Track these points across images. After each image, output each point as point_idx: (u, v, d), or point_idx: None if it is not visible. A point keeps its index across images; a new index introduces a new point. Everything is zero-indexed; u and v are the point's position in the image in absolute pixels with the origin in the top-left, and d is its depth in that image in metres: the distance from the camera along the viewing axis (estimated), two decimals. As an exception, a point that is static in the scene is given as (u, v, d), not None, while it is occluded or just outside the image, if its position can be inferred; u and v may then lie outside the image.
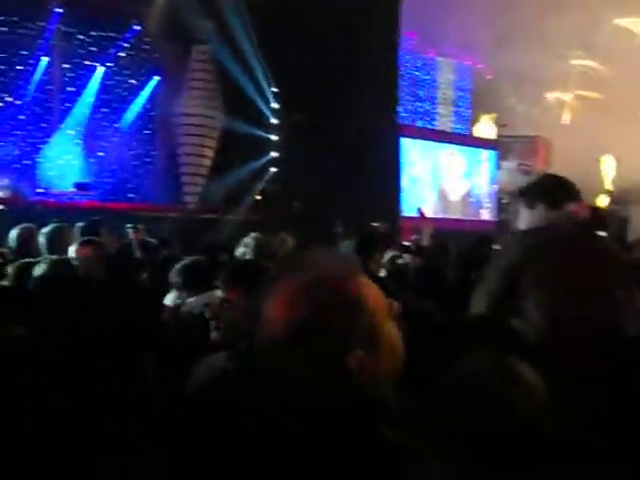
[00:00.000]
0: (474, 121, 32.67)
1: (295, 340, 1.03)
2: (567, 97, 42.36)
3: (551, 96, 42.99)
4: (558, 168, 27.26)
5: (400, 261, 4.06)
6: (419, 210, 12.31)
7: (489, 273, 2.23)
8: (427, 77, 33.08)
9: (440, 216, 21.58)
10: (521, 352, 1.89)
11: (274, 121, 14.80)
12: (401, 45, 24.30)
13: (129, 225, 6.77)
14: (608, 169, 33.52)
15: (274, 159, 14.88)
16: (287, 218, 11.64)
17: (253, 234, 4.03)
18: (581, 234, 2.22)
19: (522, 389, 1.27)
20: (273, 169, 14.86)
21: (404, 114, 30.56)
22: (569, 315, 2.03)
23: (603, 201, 21.12)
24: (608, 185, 31.90)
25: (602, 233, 5.29)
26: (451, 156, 23.04)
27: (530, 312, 2.06)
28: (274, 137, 14.92)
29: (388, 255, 4.06)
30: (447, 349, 1.79)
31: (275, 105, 14.60)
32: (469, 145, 24.44)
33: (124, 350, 2.00)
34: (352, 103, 13.00)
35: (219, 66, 14.77)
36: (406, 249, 5.41)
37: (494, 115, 32.60)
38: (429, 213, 21.83)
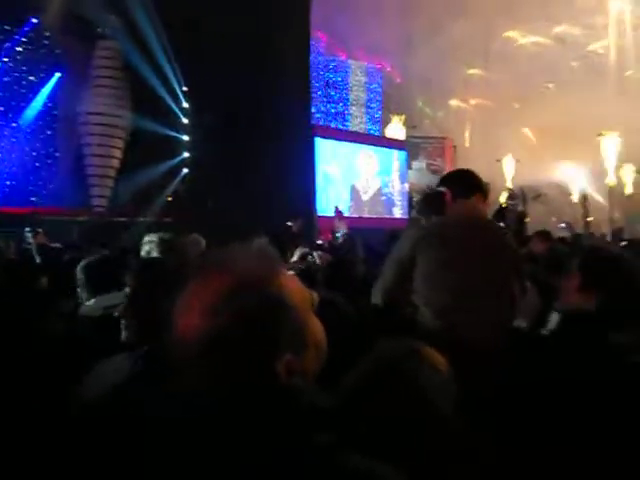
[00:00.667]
0: (385, 122, 33.65)
1: (212, 351, 0.91)
2: (470, 101, 44.62)
3: (455, 100, 45.13)
4: (463, 167, 28.60)
5: (310, 258, 4.08)
6: (336, 209, 12.48)
7: (389, 258, 2.32)
8: (339, 79, 33.67)
9: (354, 215, 22.07)
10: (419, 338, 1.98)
11: (185, 121, 14.49)
12: (313, 47, 24.58)
13: (28, 229, 6.41)
14: (508, 169, 35.71)
15: (186, 159, 14.57)
16: (200, 219, 11.43)
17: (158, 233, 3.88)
18: (477, 226, 2.28)
19: (436, 373, 1.28)
20: (185, 170, 14.54)
21: (318, 115, 30.95)
22: (459, 305, 2.10)
23: (503, 198, 22.41)
24: (508, 183, 33.93)
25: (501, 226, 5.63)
26: (364, 156, 23.57)
27: (424, 298, 2.14)
28: (185, 137, 14.60)
29: (298, 253, 4.08)
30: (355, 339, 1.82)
31: (186, 104, 14.30)
32: (381, 145, 25.10)
33: (18, 357, 1.90)
34: (265, 103, 13.00)
35: (126, 63, 14.27)
36: (319, 247, 5.49)
37: (404, 117, 33.79)
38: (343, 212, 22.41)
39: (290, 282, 1.01)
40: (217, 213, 11.80)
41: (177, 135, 14.47)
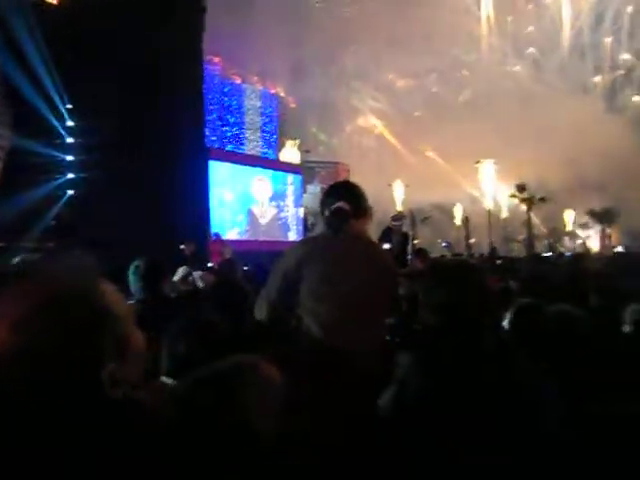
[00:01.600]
0: (280, 146, 34.14)
1: (24, 364, 0.89)
2: (363, 128, 46.47)
3: (349, 127, 46.83)
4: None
5: (190, 279, 4.06)
6: (216, 234, 12.53)
7: (272, 274, 2.35)
8: (234, 103, 33.76)
9: (250, 238, 22.01)
10: (293, 355, 2.03)
11: (70, 140, 13.81)
12: (208, 70, 24.50)
13: None
14: (398, 193, 37.47)
15: (70, 181, 13.86)
16: (86, 244, 10.88)
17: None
18: (362, 245, 2.34)
19: (257, 390, 1.29)
20: (70, 192, 13.81)
21: (213, 138, 30.73)
22: (342, 319, 2.13)
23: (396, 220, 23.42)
24: (398, 206, 35.52)
25: (387, 246, 5.90)
26: (259, 180, 23.67)
27: (309, 311, 2.17)
28: (70, 157, 13.91)
29: (179, 274, 4.03)
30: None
31: (71, 123, 13.65)
32: (276, 169, 25.36)
33: None
34: (156, 125, 12.73)
35: (4, 79, 13.41)
36: (209, 269, 5.47)
37: (298, 141, 34.47)
38: (235, 235, 22.30)
39: (110, 294, 1.00)
40: (104, 238, 11.30)
41: (60, 155, 13.74)
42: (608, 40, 41.14)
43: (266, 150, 32.43)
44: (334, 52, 39.75)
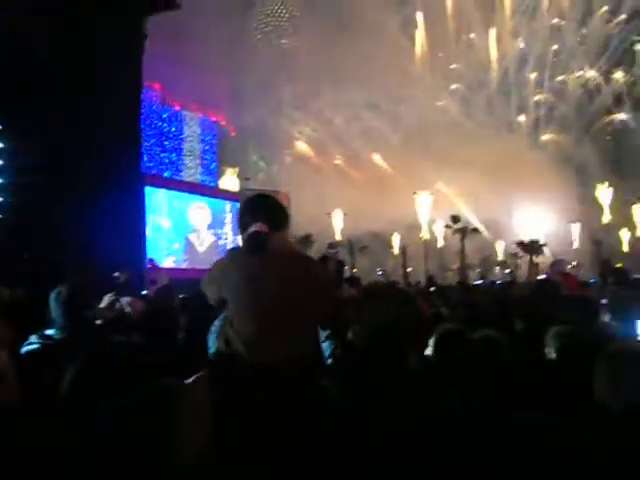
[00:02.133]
0: (220, 174, 33.99)
1: None
2: (302, 157, 47.00)
3: (288, 155, 47.27)
4: (296, 220, 29.90)
5: (118, 305, 3.95)
6: (150, 260, 12.26)
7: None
8: (173, 129, 33.44)
9: (187, 267, 21.64)
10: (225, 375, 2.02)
11: (-1, 163, 13.28)
12: (147, 96, 24.23)
13: None
14: (337, 221, 38.01)
15: (-2, 205, 13.28)
16: (15, 272, 10.38)
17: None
18: (284, 256, 2.25)
19: (186, 412, 1.29)
20: (-3, 216, 13.21)
21: (150, 164, 30.25)
22: (265, 335, 2.09)
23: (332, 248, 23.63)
24: (337, 235, 36.01)
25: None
26: (198, 208, 23.43)
27: (234, 328, 2.14)
28: (-1, 181, 13.36)
29: (105, 300, 3.91)
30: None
31: (0, 145, 13.15)
32: (215, 197, 25.19)
33: None
34: (90, 150, 12.46)
35: None
36: (143, 297, 5.34)
37: (237, 169, 34.46)
38: (171, 264, 21.88)
39: None
40: (34, 264, 10.84)
41: (-12, 178, 13.17)
42: (532, 79, 43.74)
43: (205, 177, 32.22)
44: (274, 82, 40.32)
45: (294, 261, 2.31)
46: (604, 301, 4.97)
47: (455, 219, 35.58)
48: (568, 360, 2.84)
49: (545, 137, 43.10)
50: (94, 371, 1.77)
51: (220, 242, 24.24)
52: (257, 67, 39.34)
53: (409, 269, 34.38)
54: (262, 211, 2.31)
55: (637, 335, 2.65)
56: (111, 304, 3.78)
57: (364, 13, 39.09)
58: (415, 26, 44.54)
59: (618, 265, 8.40)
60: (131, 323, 3.43)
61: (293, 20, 44.10)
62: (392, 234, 40.82)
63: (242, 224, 2.33)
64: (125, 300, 3.98)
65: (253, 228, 2.25)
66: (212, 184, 31.04)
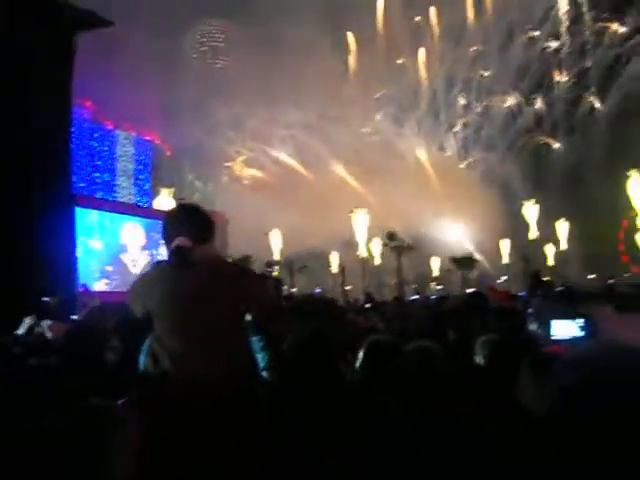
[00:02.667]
0: (155, 194, 33.32)
1: None
2: (239, 176, 46.85)
3: (225, 175, 46.97)
4: (234, 240, 29.66)
5: (38, 329, 3.78)
6: (83, 285, 11.97)
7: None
8: (105, 148, 32.59)
9: (120, 288, 20.99)
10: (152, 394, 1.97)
11: None
12: (77, 114, 23.53)
13: None
14: (275, 241, 37.97)
15: None
16: None
17: None
18: (209, 267, 2.18)
19: (115, 432, 1.25)
20: None
21: (82, 184, 29.28)
22: (190, 349, 2.04)
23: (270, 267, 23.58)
24: (275, 255, 35.94)
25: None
26: (131, 228, 22.84)
27: (160, 342, 2.10)
28: None
29: (25, 324, 3.73)
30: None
31: None
32: (149, 217, 24.64)
33: None
34: (19, 170, 11.97)
35: None
36: (73, 322, 5.16)
37: (173, 189, 33.89)
38: (103, 286, 21.17)
39: None
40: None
41: None
42: (460, 101, 45.59)
43: (139, 198, 31.54)
44: (210, 101, 40.14)
45: (220, 273, 2.24)
46: (530, 310, 5.28)
47: (391, 237, 36.28)
48: (496, 366, 2.99)
49: (473, 156, 44.90)
50: (11, 394, 1.71)
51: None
52: (193, 86, 39.06)
53: (348, 287, 34.68)
54: (185, 224, 2.24)
55: (552, 336, 2.83)
56: (30, 328, 3.62)
57: (298, 34, 39.70)
58: (348, 48, 45.64)
59: (546, 278, 8.87)
60: (52, 347, 3.30)
61: (228, 40, 44.24)
62: (330, 253, 41.16)
63: (165, 237, 2.27)
64: (45, 324, 3.80)
65: (176, 242, 2.20)
66: (146, 205, 30.40)
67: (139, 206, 28.78)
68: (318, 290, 20.85)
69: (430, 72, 44.97)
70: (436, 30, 44.17)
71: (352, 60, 45.71)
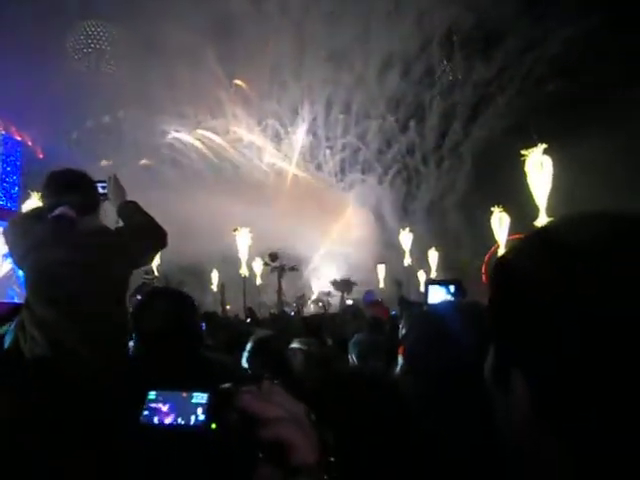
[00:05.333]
0: (25, 198, 30.93)
1: None
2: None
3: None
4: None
5: None
6: None
7: None
8: (-32, 146, 29.91)
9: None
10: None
11: None
12: None
13: None
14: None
15: None
16: None
17: None
18: (74, 247, 1.99)
19: None
20: None
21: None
22: (63, 322, 1.86)
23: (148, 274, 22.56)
24: (154, 268, 34.69)
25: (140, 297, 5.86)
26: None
27: (28, 313, 1.92)
28: None
29: None
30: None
31: None
32: (16, 223, 22.89)
33: None
34: None
35: None
36: None
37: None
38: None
39: None
40: None
41: None
42: (339, 123, 46.63)
43: (5, 201, 29.18)
44: (89, 105, 38.33)
45: (102, 243, 2.07)
46: (401, 325, 5.76)
47: (273, 257, 36.57)
48: (364, 362, 3.27)
49: (350, 178, 46.06)
50: None
51: (20, 272, 21.95)
52: (70, 88, 37.09)
53: (228, 306, 34.28)
54: (69, 191, 2.03)
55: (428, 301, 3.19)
56: None
57: (182, 41, 39.06)
58: (231, 59, 44.59)
59: (416, 301, 9.55)
60: None
61: (113, 43, 42.61)
62: (211, 270, 40.53)
63: (46, 205, 2.06)
64: None
65: (57, 212, 2.01)
66: (13, 208, 28.20)
67: (5, 209, 26.68)
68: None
69: (312, 93, 45.76)
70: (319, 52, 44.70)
71: (236, 73, 44.91)
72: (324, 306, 20.86)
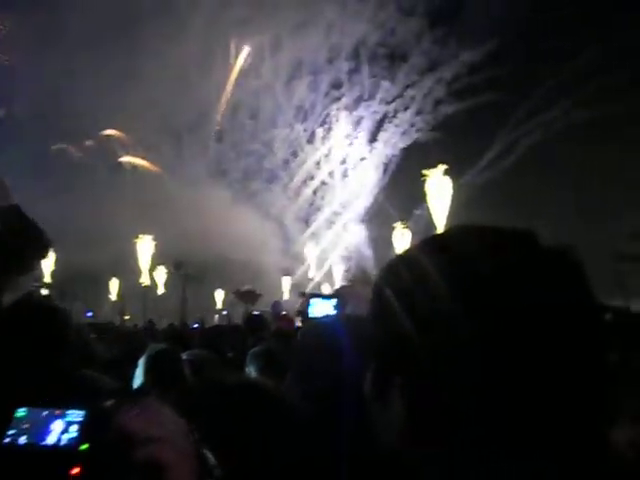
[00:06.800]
0: None
1: None
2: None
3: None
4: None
5: None
6: None
7: None
8: None
9: None
10: None
11: None
12: None
13: None
14: (47, 263, 34.39)
15: None
16: None
17: None
18: None
19: None
20: None
21: None
22: None
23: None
24: (47, 278, 32.68)
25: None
26: None
27: None
28: None
29: None
30: None
31: None
32: None
33: None
34: None
35: None
36: None
37: None
38: None
39: None
40: None
41: None
42: (246, 128, 44.58)
43: None
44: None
45: None
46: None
47: (177, 265, 35.60)
48: (266, 376, 3.24)
49: (255, 185, 44.37)
50: None
51: None
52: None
53: (127, 317, 32.92)
54: None
55: (310, 315, 3.23)
56: None
57: (88, 31, 37.10)
58: (136, 53, 41.66)
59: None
60: None
61: (11, 34, 39.77)
62: (110, 279, 38.80)
63: None
64: None
65: None
66: None
67: None
68: (89, 315, 19.51)
69: (219, 97, 44.25)
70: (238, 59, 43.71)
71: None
72: (228, 317, 20.53)
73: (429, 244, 0.55)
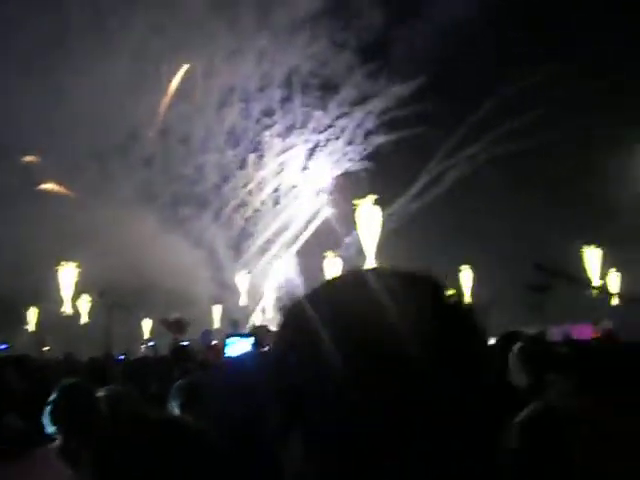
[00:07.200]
0: None
1: None
2: None
3: None
4: None
5: None
6: None
7: None
8: None
9: None
10: None
11: None
12: None
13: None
14: None
15: None
16: None
17: None
18: None
19: None
20: None
21: None
22: None
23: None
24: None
25: None
26: None
27: None
28: None
29: None
30: None
31: None
32: None
33: None
34: None
35: None
36: None
37: None
38: None
39: None
40: None
41: None
42: (176, 152, 43.39)
43: None
44: None
45: None
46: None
47: (102, 294, 34.19)
48: (190, 411, 3.16)
49: (184, 211, 42.95)
50: None
51: None
52: None
53: (46, 348, 31.11)
54: None
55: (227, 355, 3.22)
56: None
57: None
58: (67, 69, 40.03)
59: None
60: None
61: None
62: (27, 308, 36.75)
63: None
64: None
65: None
66: None
67: None
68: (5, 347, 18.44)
69: (151, 120, 43.19)
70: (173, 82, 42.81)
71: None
72: (154, 348, 19.85)
73: (318, 292, 0.57)
